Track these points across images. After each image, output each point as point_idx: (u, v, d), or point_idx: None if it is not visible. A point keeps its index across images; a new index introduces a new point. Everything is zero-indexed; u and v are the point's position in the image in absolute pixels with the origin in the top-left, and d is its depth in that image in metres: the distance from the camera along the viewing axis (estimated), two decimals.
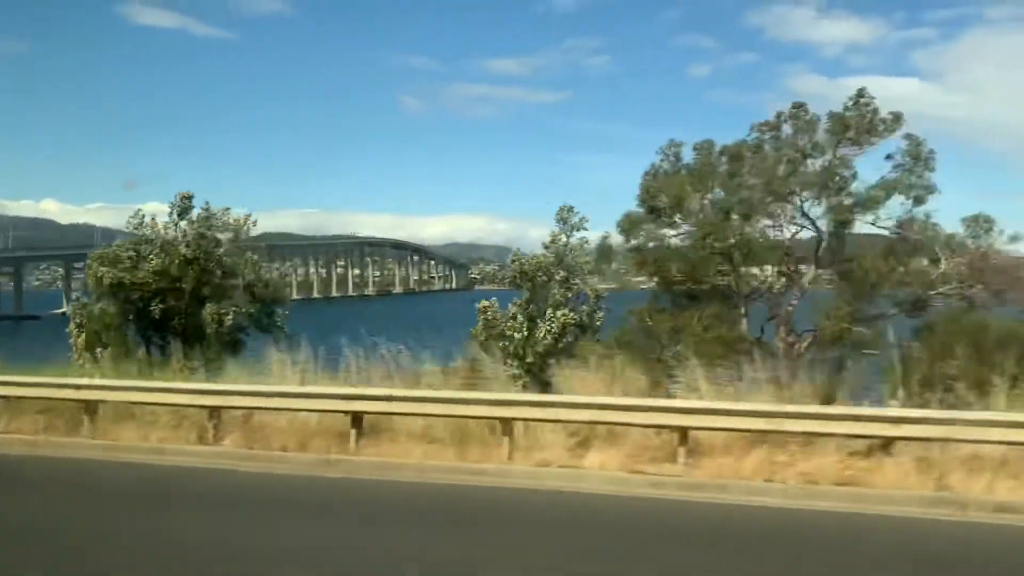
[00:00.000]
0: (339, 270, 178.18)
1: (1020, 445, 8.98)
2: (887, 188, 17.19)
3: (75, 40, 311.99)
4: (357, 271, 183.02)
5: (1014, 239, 17.02)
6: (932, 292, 17.17)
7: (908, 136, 17.25)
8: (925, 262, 17.60)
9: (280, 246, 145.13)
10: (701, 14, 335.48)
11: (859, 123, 17.10)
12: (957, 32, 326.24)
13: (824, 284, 18.46)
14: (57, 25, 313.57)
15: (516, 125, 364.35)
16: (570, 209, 16.15)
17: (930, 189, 17.13)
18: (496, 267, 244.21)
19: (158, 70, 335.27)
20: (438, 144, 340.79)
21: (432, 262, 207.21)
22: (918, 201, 17.20)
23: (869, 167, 17.59)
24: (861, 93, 17.47)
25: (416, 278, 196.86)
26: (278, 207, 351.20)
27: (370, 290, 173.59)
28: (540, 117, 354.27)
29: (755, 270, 18.58)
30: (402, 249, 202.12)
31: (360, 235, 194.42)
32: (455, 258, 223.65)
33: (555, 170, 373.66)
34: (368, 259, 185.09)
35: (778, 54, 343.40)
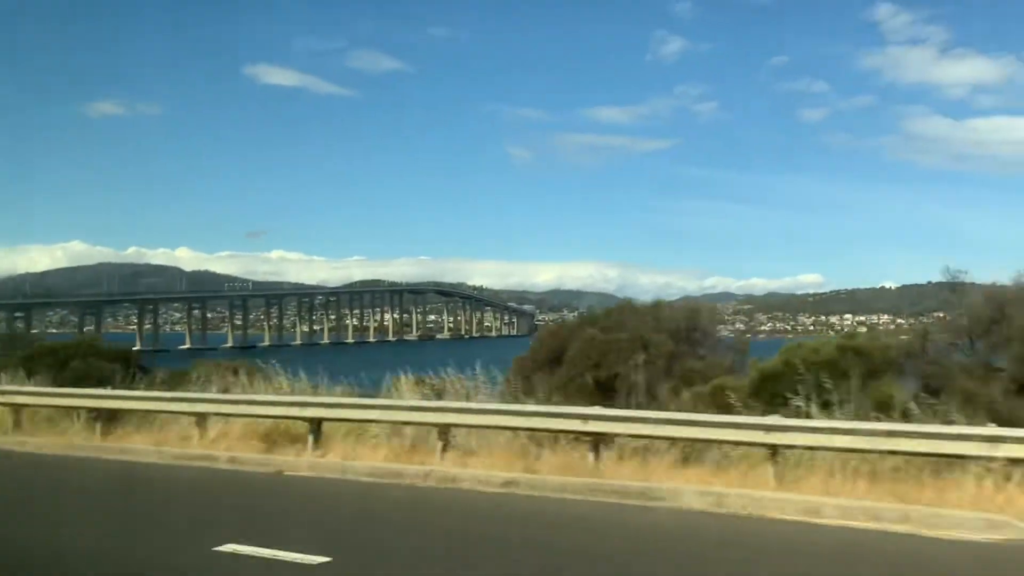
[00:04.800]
0: (390, 316, 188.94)
1: None
2: None
3: (208, 101, 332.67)
4: (407, 315, 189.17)
5: None
6: None
7: None
8: None
9: (313, 293, 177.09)
10: (810, 60, 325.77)
11: None
12: None
13: None
14: (192, 88, 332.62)
15: (623, 173, 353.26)
16: None
17: None
18: (567, 314, 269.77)
19: (282, 126, 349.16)
20: (546, 192, 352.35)
21: (489, 308, 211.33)
22: None
23: None
24: None
25: (469, 324, 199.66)
26: (395, 255, 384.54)
27: (413, 335, 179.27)
28: (647, 164, 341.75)
29: None
30: (449, 296, 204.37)
31: (403, 283, 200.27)
32: (548, 302, 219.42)
33: (664, 217, 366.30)
34: (411, 307, 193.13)
35: (897, 96, 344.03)
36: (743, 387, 14.92)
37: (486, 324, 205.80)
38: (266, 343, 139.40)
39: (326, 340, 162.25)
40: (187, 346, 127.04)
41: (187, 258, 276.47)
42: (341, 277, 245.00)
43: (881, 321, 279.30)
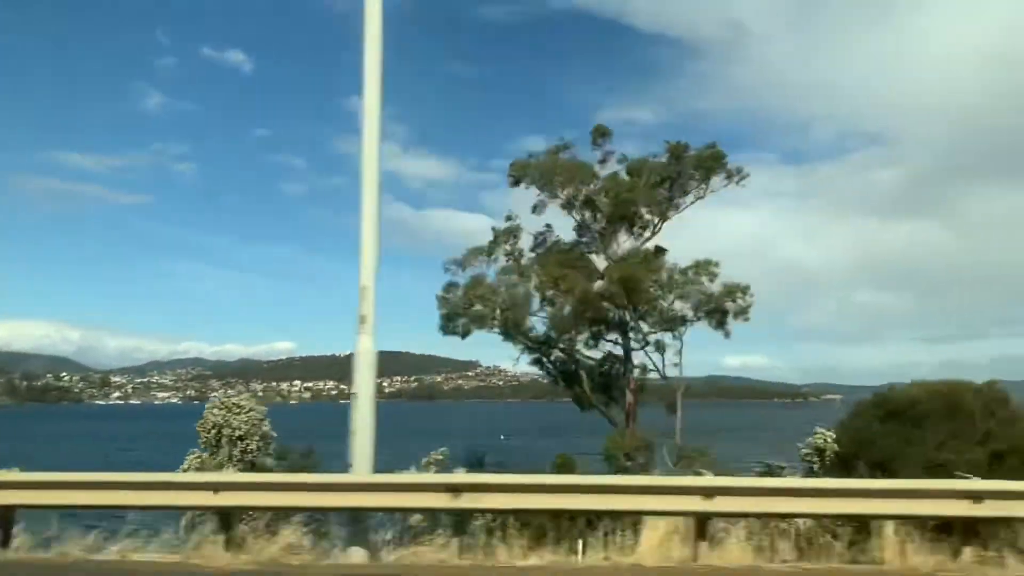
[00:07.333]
0: None
1: None
2: None
3: None
4: None
5: None
6: None
7: None
8: None
9: None
10: (291, 137, 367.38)
11: None
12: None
13: None
14: None
15: (92, 225, 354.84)
16: None
17: None
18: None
19: None
20: None
21: None
22: None
23: None
24: None
25: None
26: None
27: None
28: (121, 219, 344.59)
29: None
30: None
31: None
32: None
33: (138, 277, 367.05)
34: None
35: None
36: None
37: None
38: None
39: None
40: None
41: None
42: None
43: (326, 386, 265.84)
